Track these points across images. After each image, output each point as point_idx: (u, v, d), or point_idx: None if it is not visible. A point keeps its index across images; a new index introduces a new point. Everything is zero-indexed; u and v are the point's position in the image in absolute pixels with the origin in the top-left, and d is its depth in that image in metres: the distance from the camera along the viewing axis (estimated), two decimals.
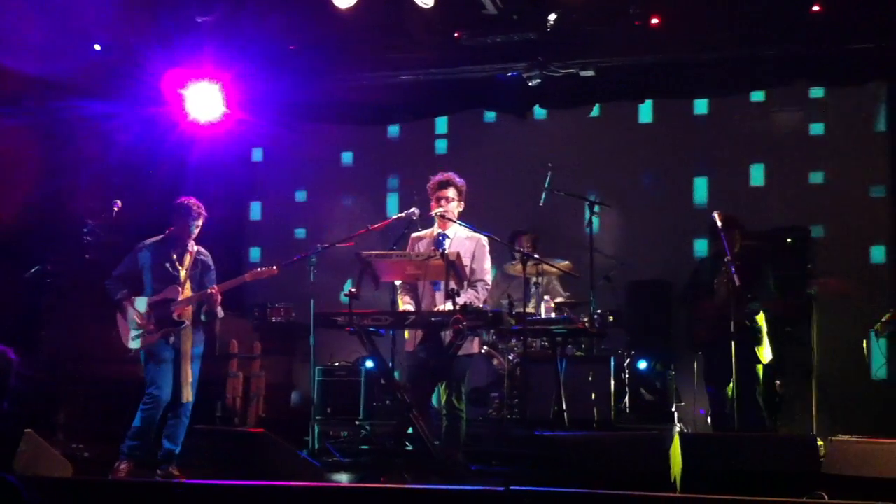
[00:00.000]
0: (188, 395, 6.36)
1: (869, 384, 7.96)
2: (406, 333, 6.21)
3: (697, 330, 7.10)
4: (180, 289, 6.45)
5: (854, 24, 7.72)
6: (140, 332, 6.43)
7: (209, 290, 6.45)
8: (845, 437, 5.10)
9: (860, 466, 4.90)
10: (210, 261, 6.69)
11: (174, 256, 6.53)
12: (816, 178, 8.86)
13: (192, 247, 6.63)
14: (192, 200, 6.62)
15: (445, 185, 6.27)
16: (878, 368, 7.64)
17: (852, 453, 4.98)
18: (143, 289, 6.56)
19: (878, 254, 8.57)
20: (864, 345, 7.45)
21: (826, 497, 4.52)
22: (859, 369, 8.04)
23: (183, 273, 6.51)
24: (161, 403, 6.35)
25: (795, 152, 8.94)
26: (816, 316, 7.77)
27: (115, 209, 7.05)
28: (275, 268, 6.68)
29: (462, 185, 6.33)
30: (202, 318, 6.55)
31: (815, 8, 7.67)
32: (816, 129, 8.95)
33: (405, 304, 6.21)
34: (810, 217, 8.58)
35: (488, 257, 6.29)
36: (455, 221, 6.26)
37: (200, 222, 6.62)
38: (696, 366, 7.58)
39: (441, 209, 6.22)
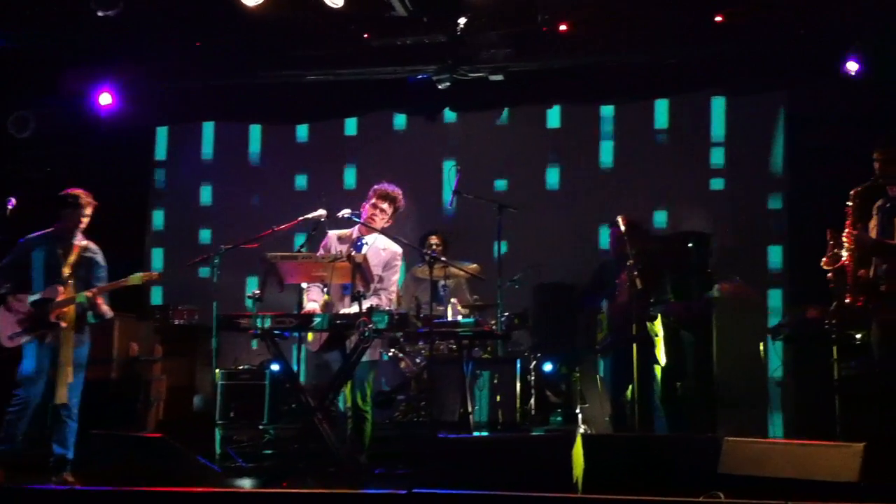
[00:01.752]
0: (62, 396, 6.15)
1: (766, 385, 8.20)
2: (310, 335, 6.18)
3: (599, 331, 7.24)
4: (61, 288, 6.24)
5: (755, 33, 7.95)
6: (18, 330, 6.24)
7: (87, 293, 6.27)
8: (740, 438, 5.20)
9: (754, 466, 5.00)
10: (99, 258, 6.48)
11: (60, 252, 6.33)
12: (717, 184, 9.07)
13: (81, 241, 6.42)
14: (80, 191, 6.43)
15: (388, 199, 6.29)
16: (775, 370, 7.87)
17: (747, 453, 5.08)
18: (30, 285, 6.34)
19: (775, 258, 8.81)
20: (762, 347, 7.66)
21: (722, 497, 4.61)
22: (757, 371, 8.27)
23: (66, 271, 6.30)
24: (28, 405, 6.17)
25: (697, 158, 9.13)
26: (716, 319, 7.94)
27: (10, 207, 6.82)
28: (156, 273, 6.60)
29: (402, 205, 6.38)
30: (90, 318, 6.36)
31: (718, 18, 7.88)
32: (717, 135, 9.15)
33: (310, 301, 6.18)
34: (711, 222, 8.78)
35: (399, 272, 6.38)
36: (377, 230, 6.26)
37: (89, 212, 6.42)
38: (600, 367, 7.70)
39: (373, 214, 6.24)
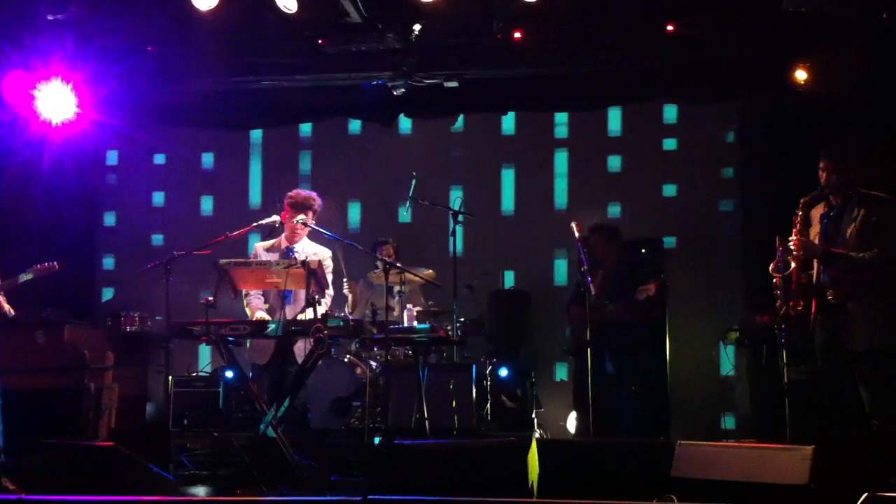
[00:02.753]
0: None
1: (720, 389, 8.32)
2: (248, 343, 6.19)
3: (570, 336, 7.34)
4: None
5: (707, 44, 8.05)
6: None
7: None
8: (692, 442, 5.26)
9: (707, 469, 5.07)
10: None
11: None
12: (670, 190, 9.18)
13: None
14: None
15: (304, 208, 6.30)
16: (727, 373, 7.99)
17: (699, 457, 5.15)
18: None
19: (727, 265, 8.93)
20: (714, 352, 7.77)
21: (675, 500, 4.66)
22: (710, 375, 8.39)
23: None
24: None
25: (650, 166, 9.24)
26: (670, 326, 8.04)
27: None
28: (55, 263, 6.53)
29: (319, 206, 6.43)
30: None
31: (670, 28, 7.98)
32: (670, 144, 9.27)
33: (256, 311, 6.17)
34: (664, 229, 8.89)
35: (331, 273, 6.43)
36: (310, 227, 6.27)
37: None
38: (554, 371, 7.75)
39: (299, 218, 6.22)
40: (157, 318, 7.89)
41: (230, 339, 5.88)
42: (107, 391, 7.83)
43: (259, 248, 6.47)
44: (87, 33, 8.09)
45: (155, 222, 9.72)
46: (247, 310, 6.33)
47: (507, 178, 9.54)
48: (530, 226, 9.29)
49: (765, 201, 8.09)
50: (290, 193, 6.43)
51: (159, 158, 9.87)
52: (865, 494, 4.73)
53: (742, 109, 8.85)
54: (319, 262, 5.99)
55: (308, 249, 6.40)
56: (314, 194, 6.44)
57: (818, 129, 7.66)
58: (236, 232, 6.39)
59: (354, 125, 9.68)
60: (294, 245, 6.37)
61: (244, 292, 6.32)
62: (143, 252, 9.20)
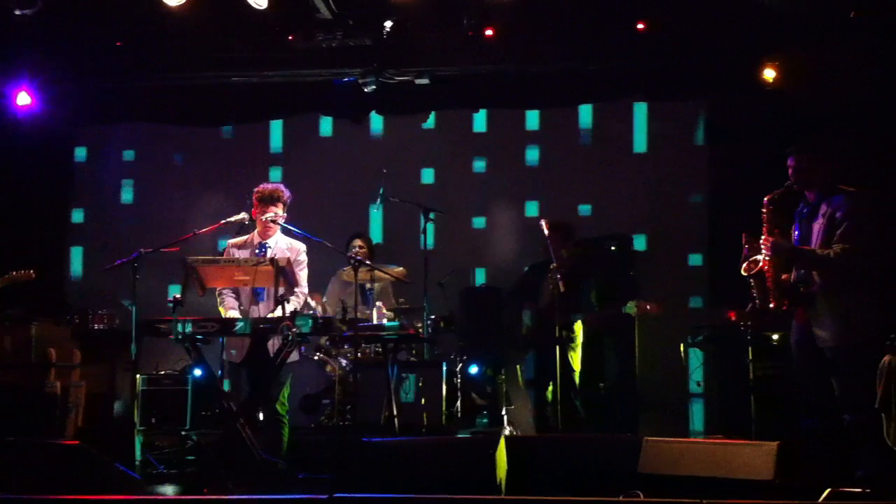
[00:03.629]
0: None
1: (687, 387, 8.36)
2: (225, 341, 6.16)
3: (521, 332, 7.31)
4: None
5: (676, 42, 8.11)
6: None
7: None
8: (659, 438, 5.29)
9: (673, 465, 5.10)
10: None
11: None
12: (639, 188, 9.20)
13: None
14: None
15: (272, 200, 6.24)
16: (694, 370, 8.05)
17: (666, 453, 5.17)
18: None
19: (695, 262, 8.99)
20: (682, 349, 7.82)
21: (642, 496, 4.69)
22: (677, 372, 8.43)
23: None
24: None
25: (620, 163, 9.27)
26: (638, 324, 8.08)
27: None
28: (32, 272, 6.46)
29: (288, 198, 6.34)
30: None
31: (640, 26, 8.02)
32: (639, 142, 9.30)
33: (229, 310, 6.13)
34: (633, 226, 8.93)
35: (306, 269, 6.34)
36: (279, 224, 6.24)
37: None
38: (520, 369, 7.77)
39: (269, 215, 6.20)
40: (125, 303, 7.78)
41: (198, 337, 5.84)
42: (73, 389, 7.76)
43: (231, 244, 6.42)
44: (55, 29, 8.03)
45: (123, 219, 9.63)
46: (220, 308, 6.29)
47: (479, 174, 9.53)
48: (500, 222, 9.30)
49: (733, 198, 8.15)
50: (256, 188, 6.39)
51: (128, 154, 9.78)
52: (829, 489, 4.80)
53: (711, 106, 8.90)
54: (288, 260, 5.95)
55: (282, 244, 6.31)
56: (281, 186, 6.37)
57: (788, 125, 7.74)
58: (205, 229, 6.35)
59: (325, 121, 9.64)
60: (267, 241, 6.30)
61: (218, 290, 6.28)
62: (111, 249, 9.11)
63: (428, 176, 9.49)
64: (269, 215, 6.23)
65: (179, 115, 9.20)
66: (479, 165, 9.53)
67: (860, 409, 5.17)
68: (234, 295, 6.25)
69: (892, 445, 4.54)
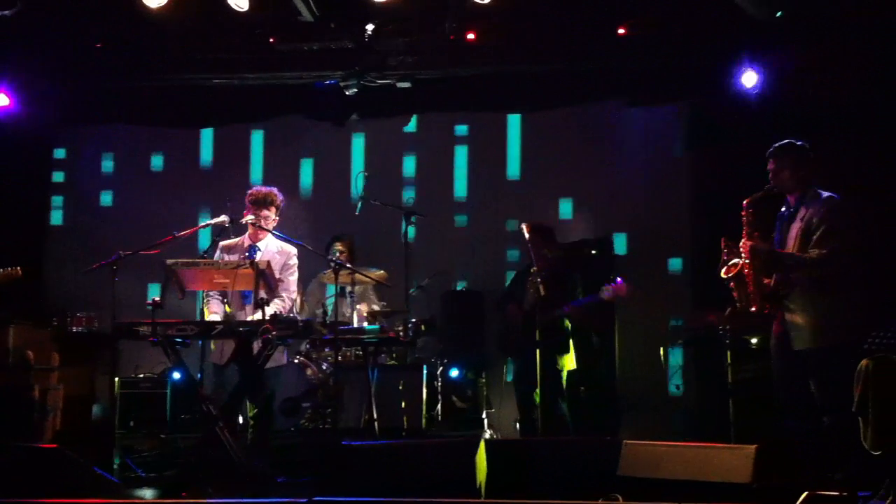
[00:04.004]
0: None
1: (666, 389, 8.40)
2: (213, 345, 6.13)
3: (508, 336, 7.30)
4: None
5: (657, 45, 8.14)
6: None
7: None
8: (638, 441, 5.31)
9: (652, 469, 5.11)
10: None
11: None
12: (620, 190, 9.21)
13: None
14: None
15: (266, 203, 6.23)
16: (674, 374, 8.08)
17: (644, 456, 5.19)
18: None
19: (675, 265, 9.02)
20: (662, 352, 7.85)
21: (621, 499, 4.70)
22: (658, 375, 8.47)
23: None
24: None
25: (602, 165, 9.29)
26: (619, 326, 8.11)
27: None
28: (18, 269, 6.42)
29: (281, 201, 6.35)
30: None
31: (621, 30, 8.06)
32: (621, 145, 9.31)
33: (211, 314, 6.11)
34: (614, 228, 8.95)
35: (296, 272, 6.36)
36: (270, 231, 6.23)
37: None
38: (504, 372, 7.79)
39: (249, 219, 6.20)
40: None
41: (177, 339, 5.82)
42: (52, 392, 7.72)
43: (222, 246, 6.39)
44: (35, 29, 7.98)
45: (103, 221, 9.57)
46: (205, 310, 6.27)
47: (460, 177, 9.53)
48: (483, 225, 9.30)
49: (714, 201, 8.17)
50: (250, 191, 6.37)
51: (108, 156, 9.72)
52: (805, 493, 4.83)
53: (692, 109, 8.93)
54: (268, 263, 5.94)
55: (273, 247, 6.31)
56: (275, 190, 6.37)
57: (768, 128, 7.77)
58: (184, 231, 6.32)
59: (307, 124, 9.61)
60: (258, 243, 6.29)
61: (205, 293, 6.26)
62: (90, 251, 9.06)
63: (409, 178, 9.48)
64: (248, 219, 6.22)
65: (160, 117, 9.18)
66: (461, 168, 9.53)
67: (838, 412, 5.20)
68: (220, 298, 6.22)
69: (870, 448, 4.56)
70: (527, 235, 6.88)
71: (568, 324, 7.13)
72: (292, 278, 6.31)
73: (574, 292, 7.26)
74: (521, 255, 8.70)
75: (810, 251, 5.39)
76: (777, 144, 5.67)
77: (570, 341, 7.14)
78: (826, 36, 7.57)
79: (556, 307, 6.99)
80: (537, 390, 6.94)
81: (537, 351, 6.74)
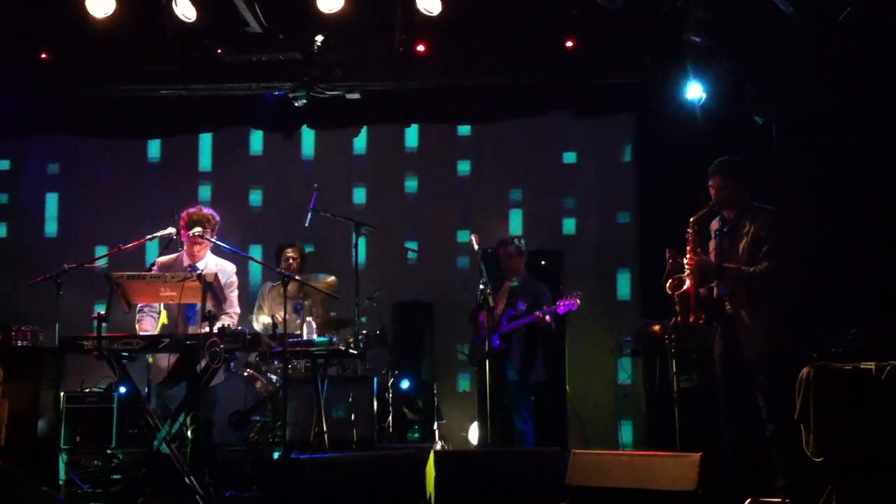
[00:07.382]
0: None
1: (615, 398, 8.48)
2: (150, 359, 6.07)
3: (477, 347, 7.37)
4: None
5: (605, 59, 8.25)
6: None
7: None
8: (586, 451, 5.36)
9: (600, 477, 5.17)
10: None
11: None
12: (568, 203, 9.32)
13: None
14: None
15: (201, 223, 6.19)
16: (622, 383, 8.16)
17: (593, 465, 5.25)
18: None
19: (623, 276, 9.11)
20: (610, 363, 7.92)
21: None
22: (606, 386, 8.55)
23: None
24: None
25: (550, 179, 9.37)
26: (568, 337, 8.16)
27: None
28: None
29: (217, 223, 6.30)
30: None
31: (569, 44, 8.14)
32: (569, 157, 9.42)
33: (142, 331, 6.05)
34: (562, 240, 9.03)
35: (237, 290, 6.36)
36: (212, 242, 6.19)
37: None
38: (457, 382, 7.81)
39: (194, 242, 6.17)
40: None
41: (123, 353, 5.74)
42: None
43: (158, 263, 6.33)
44: None
45: (47, 233, 9.43)
46: (136, 325, 6.20)
47: (410, 189, 9.55)
48: (432, 237, 9.33)
49: (661, 215, 8.27)
50: (189, 210, 6.29)
51: (53, 167, 9.59)
52: (749, 500, 4.92)
53: (638, 121, 9.05)
54: (216, 276, 5.89)
55: (211, 265, 6.26)
56: (212, 212, 6.31)
57: (709, 143, 7.88)
58: (130, 244, 6.26)
59: (256, 135, 9.57)
60: (197, 262, 6.24)
61: (138, 307, 6.18)
62: (33, 264, 8.91)
63: (359, 189, 9.48)
64: (196, 231, 6.16)
65: (106, 128, 9.09)
66: (411, 179, 9.55)
67: (781, 421, 5.29)
68: (154, 315, 6.15)
69: (811, 456, 4.65)
70: (476, 247, 6.93)
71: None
72: (233, 295, 6.29)
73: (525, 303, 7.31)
74: (470, 264, 8.76)
75: (758, 265, 5.46)
76: (718, 161, 5.74)
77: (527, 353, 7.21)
78: (770, 48, 7.69)
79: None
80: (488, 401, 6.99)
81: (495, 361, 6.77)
